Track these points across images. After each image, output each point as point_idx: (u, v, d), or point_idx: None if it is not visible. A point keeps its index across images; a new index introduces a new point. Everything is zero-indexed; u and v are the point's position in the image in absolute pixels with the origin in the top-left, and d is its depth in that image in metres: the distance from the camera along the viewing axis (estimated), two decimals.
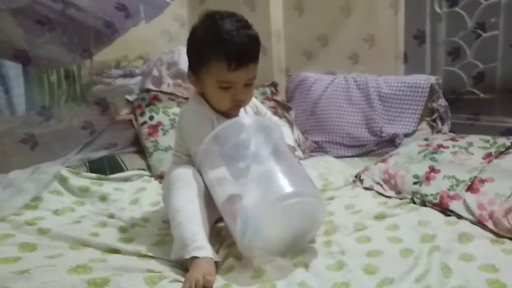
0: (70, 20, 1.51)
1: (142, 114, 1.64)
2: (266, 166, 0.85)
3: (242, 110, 1.09)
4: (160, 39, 2.31)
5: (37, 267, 0.81)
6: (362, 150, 1.73)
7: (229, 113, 1.03)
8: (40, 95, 2.13)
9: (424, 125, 1.72)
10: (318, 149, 1.80)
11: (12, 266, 0.84)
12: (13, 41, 1.49)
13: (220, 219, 0.97)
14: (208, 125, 0.99)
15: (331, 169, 1.52)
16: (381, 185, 1.28)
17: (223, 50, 0.93)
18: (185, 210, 0.88)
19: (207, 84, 0.99)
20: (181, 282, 0.79)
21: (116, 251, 0.93)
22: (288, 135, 1.11)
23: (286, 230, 0.85)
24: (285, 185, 0.82)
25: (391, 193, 1.24)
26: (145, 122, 1.62)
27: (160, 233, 1.05)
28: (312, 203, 0.85)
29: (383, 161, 1.36)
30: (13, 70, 2.14)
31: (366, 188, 1.30)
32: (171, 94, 1.73)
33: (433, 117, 1.70)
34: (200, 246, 0.82)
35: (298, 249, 0.89)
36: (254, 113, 1.14)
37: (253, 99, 1.16)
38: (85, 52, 1.65)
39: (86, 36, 1.62)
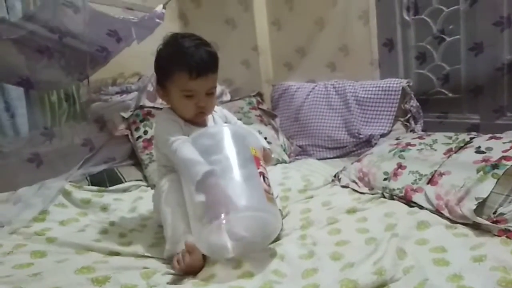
0: (67, 46, 1.64)
1: (137, 129, 1.77)
2: (232, 176, 0.93)
3: (211, 119, 1.20)
4: (151, 58, 2.43)
5: (48, 270, 0.93)
6: (342, 151, 1.85)
7: (195, 121, 1.14)
8: (42, 115, 2.21)
9: (398, 125, 1.85)
10: (302, 152, 1.93)
11: (26, 270, 0.96)
12: (16, 68, 1.60)
13: None
14: (177, 128, 1.10)
15: (313, 171, 1.63)
16: (356, 183, 1.40)
17: (184, 62, 1.05)
18: (175, 213, 1.00)
19: (173, 95, 1.11)
20: (173, 274, 0.91)
21: (116, 253, 1.05)
22: (262, 140, 1.18)
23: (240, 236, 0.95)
24: (242, 199, 0.90)
25: (365, 190, 1.35)
26: (140, 137, 1.75)
27: (155, 236, 1.16)
28: (265, 218, 0.93)
29: (359, 160, 1.48)
30: (15, 91, 2.23)
31: (343, 186, 1.42)
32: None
33: (407, 117, 1.83)
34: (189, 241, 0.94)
35: (252, 251, 0.96)
36: (223, 122, 1.23)
37: (223, 109, 1.28)
38: (81, 74, 1.76)
39: (82, 60, 1.72)
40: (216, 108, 1.25)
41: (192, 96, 1.09)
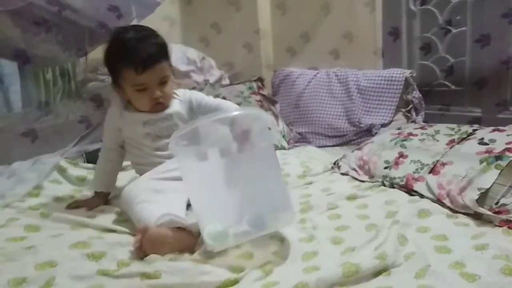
0: (65, 20, 1.60)
1: None
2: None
3: (175, 103, 1.17)
4: None
5: (42, 244, 0.91)
6: (342, 140, 1.84)
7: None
8: (36, 92, 2.18)
9: (400, 115, 1.84)
10: (301, 139, 1.91)
11: (19, 243, 0.94)
12: (11, 41, 1.56)
13: None
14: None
15: (312, 157, 1.62)
16: (356, 171, 1.39)
17: (128, 58, 1.05)
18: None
19: (127, 91, 1.12)
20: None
21: (112, 230, 1.03)
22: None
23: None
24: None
25: (365, 178, 1.35)
26: None
27: None
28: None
29: (359, 149, 1.47)
30: (9, 67, 2.18)
31: (342, 174, 1.41)
32: None
33: (408, 108, 1.82)
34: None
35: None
36: (189, 107, 1.19)
37: (189, 92, 1.22)
38: (80, 51, 1.73)
39: (81, 35, 1.69)
40: (180, 92, 1.22)
41: (144, 89, 1.09)
